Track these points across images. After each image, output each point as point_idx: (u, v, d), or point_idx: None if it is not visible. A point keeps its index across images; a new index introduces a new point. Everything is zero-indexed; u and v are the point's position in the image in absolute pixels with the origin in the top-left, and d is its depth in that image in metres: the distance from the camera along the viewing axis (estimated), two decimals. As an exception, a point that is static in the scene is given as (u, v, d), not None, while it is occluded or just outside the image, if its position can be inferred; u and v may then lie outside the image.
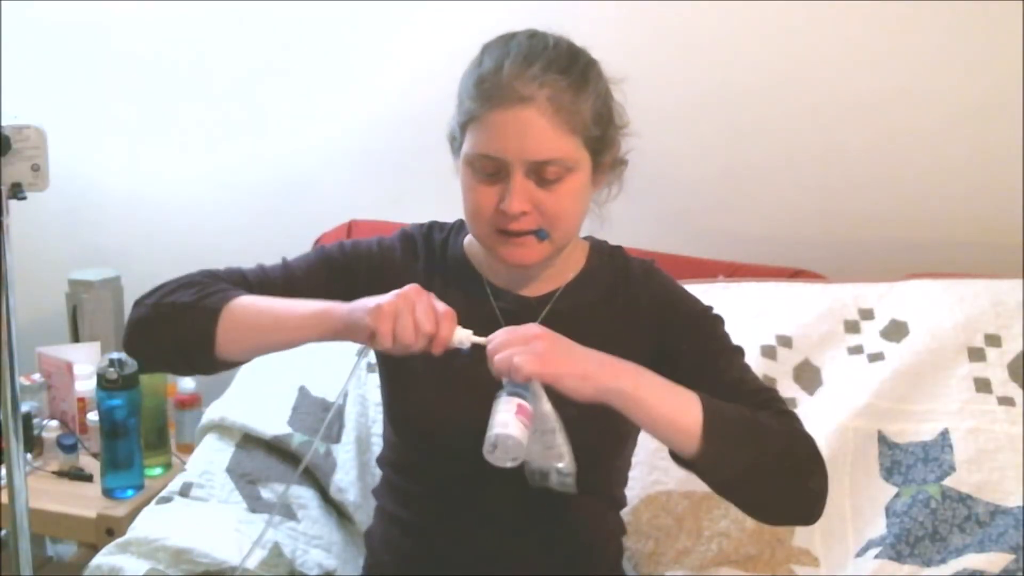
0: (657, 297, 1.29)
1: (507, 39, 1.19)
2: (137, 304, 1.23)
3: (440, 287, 1.28)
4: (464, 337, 1.08)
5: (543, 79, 1.13)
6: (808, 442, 1.16)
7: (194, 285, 1.21)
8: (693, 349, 1.25)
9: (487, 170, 1.16)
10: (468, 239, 1.33)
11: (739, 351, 1.28)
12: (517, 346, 1.03)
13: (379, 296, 1.08)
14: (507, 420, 1.02)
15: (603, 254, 1.34)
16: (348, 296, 1.25)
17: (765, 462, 1.11)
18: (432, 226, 1.37)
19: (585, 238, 1.34)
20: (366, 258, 1.31)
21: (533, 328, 1.07)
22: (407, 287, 1.08)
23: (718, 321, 1.29)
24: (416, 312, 1.05)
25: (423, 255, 1.32)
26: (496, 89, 1.13)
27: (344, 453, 1.70)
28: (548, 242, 1.19)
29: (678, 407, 1.08)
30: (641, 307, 1.28)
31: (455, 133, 1.22)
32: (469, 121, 1.17)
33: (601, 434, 1.25)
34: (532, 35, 1.19)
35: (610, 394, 1.06)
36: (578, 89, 1.15)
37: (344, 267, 1.30)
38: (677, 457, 1.13)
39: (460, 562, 1.28)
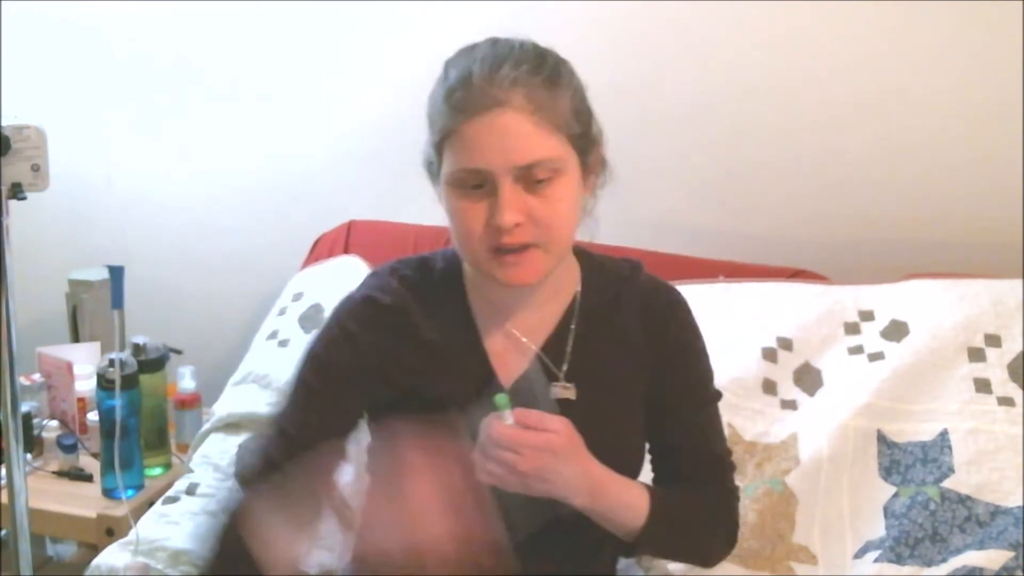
0: (670, 334, 1.26)
1: (469, 50, 1.15)
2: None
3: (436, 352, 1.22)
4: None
5: (515, 78, 1.08)
6: (730, 528, 1.31)
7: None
8: (674, 394, 1.26)
9: (472, 184, 1.10)
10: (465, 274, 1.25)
11: (714, 401, 1.30)
12: (518, 448, 1.07)
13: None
14: None
15: (593, 269, 1.28)
16: (372, 376, 1.22)
17: (687, 554, 1.31)
18: (402, 277, 1.25)
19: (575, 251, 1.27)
20: (350, 358, 1.22)
21: (553, 441, 1.09)
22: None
23: (706, 364, 1.29)
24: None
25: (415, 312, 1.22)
26: (468, 98, 1.08)
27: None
28: (545, 253, 1.13)
29: (622, 524, 1.19)
30: (637, 334, 1.25)
31: (431, 157, 1.16)
32: (445, 138, 1.11)
33: (626, 460, 1.26)
34: (495, 42, 1.14)
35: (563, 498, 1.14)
36: (552, 84, 1.10)
37: (337, 378, 1.22)
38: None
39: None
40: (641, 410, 1.26)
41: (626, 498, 1.19)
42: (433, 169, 1.16)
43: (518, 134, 1.08)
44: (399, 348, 1.21)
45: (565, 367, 1.22)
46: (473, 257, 1.15)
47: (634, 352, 1.24)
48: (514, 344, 1.23)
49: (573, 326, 1.24)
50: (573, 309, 1.24)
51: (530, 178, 1.09)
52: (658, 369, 1.24)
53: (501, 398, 1.09)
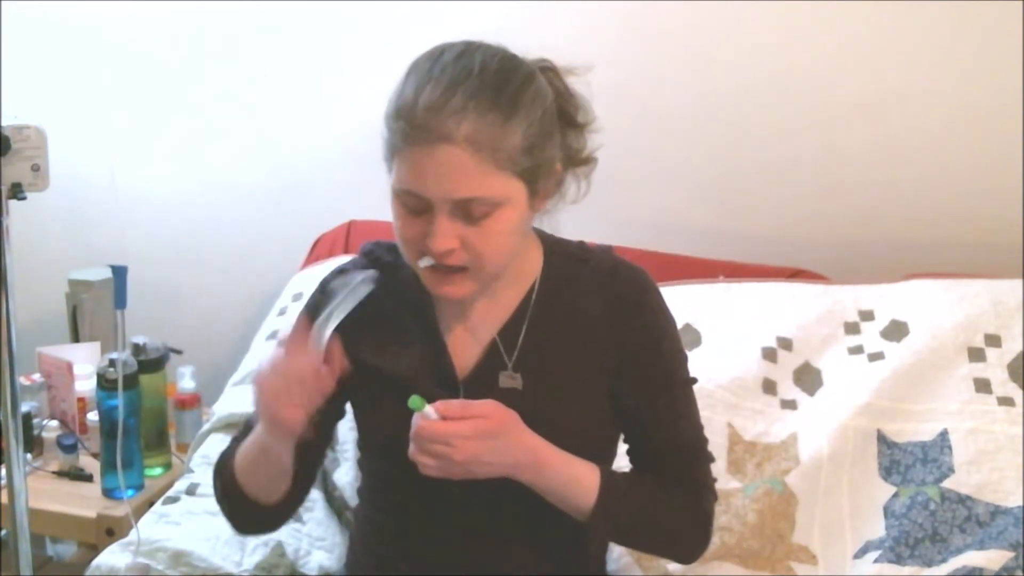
0: (631, 315, 1.23)
1: (435, 58, 1.11)
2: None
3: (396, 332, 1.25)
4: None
5: (463, 113, 1.04)
6: (700, 520, 1.27)
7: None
8: (639, 378, 1.24)
9: (412, 205, 1.11)
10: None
11: (684, 386, 1.27)
12: (448, 440, 1.09)
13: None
14: None
15: (555, 253, 1.27)
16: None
17: (650, 541, 1.29)
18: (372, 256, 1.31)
19: (537, 232, 1.26)
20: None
21: (481, 426, 1.11)
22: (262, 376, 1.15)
23: (674, 347, 1.27)
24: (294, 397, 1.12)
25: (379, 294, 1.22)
26: (412, 125, 1.06)
27: (344, 453, 1.71)
28: (475, 277, 1.14)
29: (573, 502, 1.19)
30: (598, 318, 1.23)
31: (386, 155, 1.16)
32: (393, 152, 1.11)
33: (587, 448, 1.23)
34: (461, 54, 1.10)
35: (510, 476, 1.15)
36: (505, 120, 1.06)
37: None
38: None
39: (436, 564, 1.26)
40: (604, 397, 1.24)
41: (573, 473, 1.18)
42: (388, 166, 1.16)
43: (458, 170, 1.06)
44: (361, 319, 1.18)
45: (515, 356, 1.22)
46: (410, 261, 1.17)
47: (594, 336, 1.22)
48: (471, 332, 1.24)
49: (528, 313, 1.23)
50: (531, 296, 1.24)
51: (467, 210, 1.09)
52: (620, 352, 1.22)
53: (415, 400, 1.09)
